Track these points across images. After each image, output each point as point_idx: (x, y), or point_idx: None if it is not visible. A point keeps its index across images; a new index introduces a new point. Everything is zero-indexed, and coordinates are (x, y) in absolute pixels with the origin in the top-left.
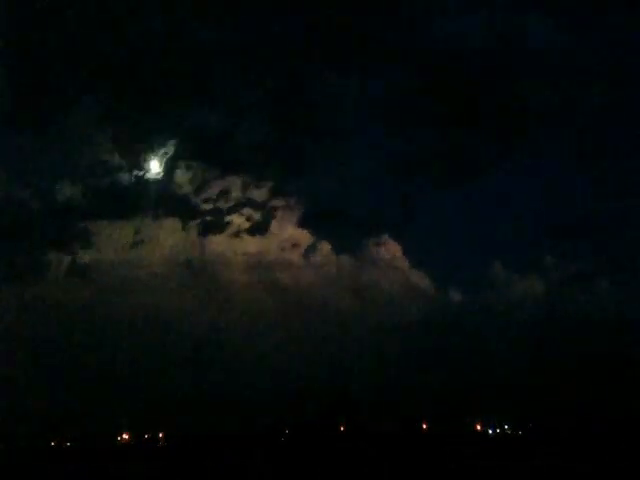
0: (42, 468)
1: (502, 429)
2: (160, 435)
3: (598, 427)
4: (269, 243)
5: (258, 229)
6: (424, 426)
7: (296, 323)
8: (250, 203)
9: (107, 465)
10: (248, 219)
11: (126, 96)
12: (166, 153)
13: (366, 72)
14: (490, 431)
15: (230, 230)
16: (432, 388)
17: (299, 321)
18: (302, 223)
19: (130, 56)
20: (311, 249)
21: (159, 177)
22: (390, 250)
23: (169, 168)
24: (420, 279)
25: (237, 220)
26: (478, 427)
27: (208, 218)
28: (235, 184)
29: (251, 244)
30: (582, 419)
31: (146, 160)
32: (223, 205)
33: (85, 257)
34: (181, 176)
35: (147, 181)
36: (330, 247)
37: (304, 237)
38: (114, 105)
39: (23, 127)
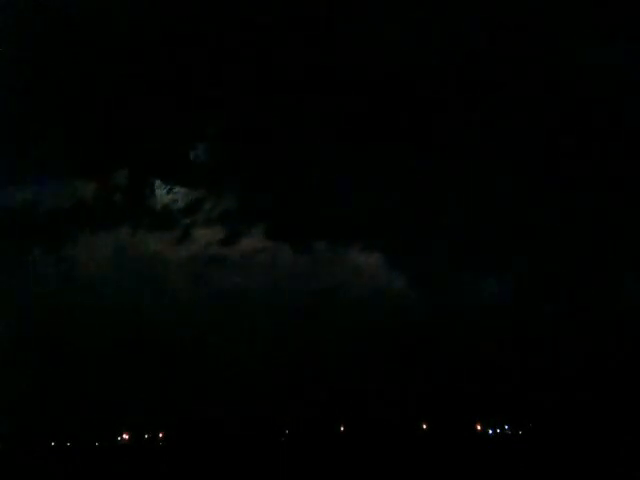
0: (42, 468)
1: (502, 429)
2: (160, 435)
3: (596, 425)
4: (240, 253)
5: (229, 240)
6: (424, 426)
7: (282, 324)
8: (220, 217)
9: (107, 465)
10: (219, 231)
11: (82, 127)
12: (131, 172)
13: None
14: (490, 431)
15: (202, 241)
16: (431, 388)
17: (285, 322)
18: (271, 234)
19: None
20: (280, 256)
21: (131, 194)
22: (362, 255)
23: (139, 186)
24: (394, 282)
25: (208, 232)
26: (478, 427)
27: (180, 230)
28: (204, 199)
29: (224, 254)
30: (581, 418)
31: (114, 181)
32: (194, 218)
33: (71, 261)
34: (157, 194)
35: (120, 197)
36: (293, 254)
37: (273, 246)
38: (70, 137)
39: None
